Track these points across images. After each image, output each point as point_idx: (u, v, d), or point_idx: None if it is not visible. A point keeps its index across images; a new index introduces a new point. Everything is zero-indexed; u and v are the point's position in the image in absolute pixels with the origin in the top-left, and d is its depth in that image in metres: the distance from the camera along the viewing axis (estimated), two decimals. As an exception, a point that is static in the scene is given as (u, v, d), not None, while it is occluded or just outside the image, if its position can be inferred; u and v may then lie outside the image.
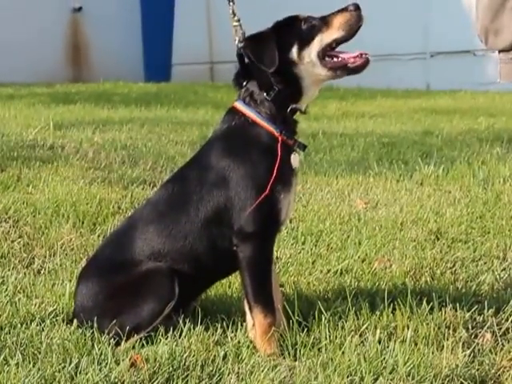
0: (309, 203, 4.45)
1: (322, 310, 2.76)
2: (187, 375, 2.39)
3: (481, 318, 2.87)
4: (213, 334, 2.65)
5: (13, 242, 3.61)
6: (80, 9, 13.59)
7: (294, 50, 2.58)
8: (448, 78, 12.51)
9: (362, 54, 2.63)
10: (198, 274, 2.65)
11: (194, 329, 2.65)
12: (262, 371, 2.40)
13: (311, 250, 3.62)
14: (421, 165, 5.43)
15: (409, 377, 2.41)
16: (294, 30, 2.59)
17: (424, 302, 2.91)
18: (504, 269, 3.44)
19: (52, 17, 12.97)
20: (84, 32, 13.43)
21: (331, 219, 4.08)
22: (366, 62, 2.62)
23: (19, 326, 2.69)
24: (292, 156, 2.61)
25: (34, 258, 3.44)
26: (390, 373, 2.43)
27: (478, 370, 2.50)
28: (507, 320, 2.84)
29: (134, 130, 6.76)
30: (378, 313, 2.85)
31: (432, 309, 2.87)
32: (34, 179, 4.62)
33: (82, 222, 3.89)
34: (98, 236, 3.72)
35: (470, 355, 2.56)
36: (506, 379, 2.46)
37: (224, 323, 2.72)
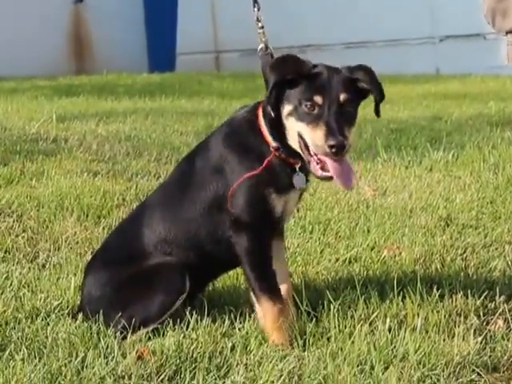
0: (316, 191, 4.40)
1: (331, 299, 2.73)
2: (195, 367, 2.36)
3: (492, 305, 2.83)
4: (220, 326, 2.62)
5: (17, 236, 3.59)
6: (82, 0, 13.53)
7: (286, 110, 2.49)
8: (458, 62, 12.39)
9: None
10: (202, 263, 2.63)
11: (201, 321, 2.62)
12: (271, 362, 2.37)
13: (319, 238, 3.57)
14: (430, 150, 5.37)
15: (420, 365, 2.38)
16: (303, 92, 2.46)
17: (434, 290, 2.87)
18: (516, 254, 3.39)
19: (54, 9, 12.92)
20: (86, 23, 13.36)
21: (339, 207, 4.04)
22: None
23: (24, 320, 2.67)
24: (295, 176, 2.55)
25: (38, 253, 3.42)
26: (401, 361, 2.40)
27: (490, 356, 2.46)
28: (520, 306, 2.80)
29: (138, 121, 6.73)
30: (387, 301, 2.81)
31: (442, 296, 2.84)
32: (38, 173, 4.59)
33: (87, 215, 3.87)
34: (103, 229, 3.69)
35: (481, 342, 2.53)
36: (520, 366, 2.42)
37: (232, 315, 2.69)
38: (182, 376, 2.32)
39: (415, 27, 13.28)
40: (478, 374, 2.37)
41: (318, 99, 2.44)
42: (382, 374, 2.32)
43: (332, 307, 2.65)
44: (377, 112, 2.61)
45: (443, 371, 2.35)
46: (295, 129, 2.48)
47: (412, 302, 2.76)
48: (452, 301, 2.81)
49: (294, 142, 2.50)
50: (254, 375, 2.31)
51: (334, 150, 2.39)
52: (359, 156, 5.37)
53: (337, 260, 3.31)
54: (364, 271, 3.16)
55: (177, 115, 7.12)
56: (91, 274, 2.70)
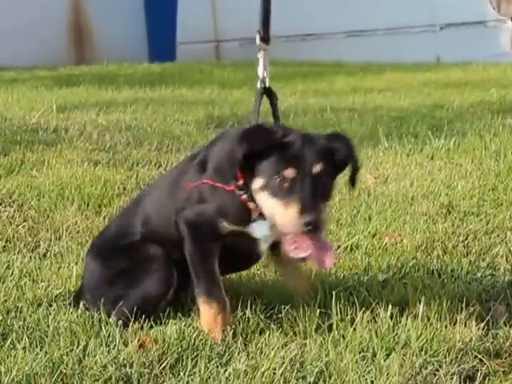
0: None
1: (333, 286, 2.72)
2: (196, 355, 2.36)
3: (494, 291, 2.83)
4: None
5: (18, 226, 3.59)
6: (82, -10, 13.46)
7: (257, 185, 2.33)
8: (458, 50, 12.35)
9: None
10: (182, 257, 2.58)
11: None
12: (272, 349, 2.37)
13: (320, 226, 3.56)
14: (431, 138, 5.35)
15: (422, 351, 2.38)
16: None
17: (436, 276, 2.87)
18: (517, 240, 3.38)
19: (53, -1, 12.87)
20: (86, 13, 13.31)
21: (341, 195, 4.02)
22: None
23: (25, 309, 2.67)
24: (254, 224, 2.43)
25: (39, 242, 3.42)
26: (403, 348, 2.40)
27: (492, 343, 2.46)
28: (522, 292, 2.79)
29: (138, 110, 6.71)
30: (389, 288, 2.81)
31: (444, 283, 2.83)
32: (38, 163, 4.59)
33: (87, 205, 3.86)
34: (104, 218, 3.69)
35: (483, 328, 2.52)
36: (522, 352, 2.42)
37: (233, 302, 2.68)
38: (184, 364, 2.31)
39: (415, 15, 13.23)
40: (480, 360, 2.37)
41: (290, 172, 2.27)
42: (384, 360, 2.32)
43: (334, 294, 2.64)
44: (352, 182, 2.40)
45: (445, 358, 2.35)
46: (267, 206, 2.32)
47: (414, 288, 2.76)
48: (454, 287, 2.80)
49: (266, 216, 2.36)
50: (256, 363, 2.31)
51: (309, 228, 2.22)
52: (360, 143, 5.36)
53: (338, 247, 3.30)
54: (366, 258, 3.15)
55: (177, 104, 7.09)
56: (88, 259, 2.71)
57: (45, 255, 3.26)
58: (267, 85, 2.64)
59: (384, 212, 3.74)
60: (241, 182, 2.39)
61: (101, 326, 2.52)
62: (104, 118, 6.22)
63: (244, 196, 2.40)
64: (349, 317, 2.57)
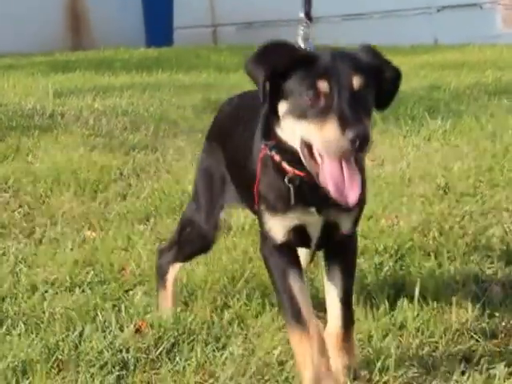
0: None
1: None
2: (193, 339, 2.36)
3: (490, 271, 2.83)
4: (218, 299, 2.61)
5: (13, 211, 3.58)
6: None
7: (282, 108, 1.91)
8: (455, 32, 12.30)
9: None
10: None
11: (198, 290, 2.62)
12: (269, 333, 2.37)
13: (317, 209, 3.55)
14: (428, 120, 5.34)
15: (418, 332, 2.38)
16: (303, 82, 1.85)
17: (432, 258, 2.87)
18: (514, 221, 3.38)
19: (50, -16, 12.77)
20: (83, -2, 13.22)
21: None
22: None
23: (21, 295, 2.66)
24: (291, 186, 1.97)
25: (34, 228, 3.41)
26: (399, 329, 2.40)
27: (488, 323, 2.46)
28: (518, 272, 2.79)
29: (135, 95, 6.67)
30: (385, 270, 2.80)
31: (441, 264, 2.83)
32: (34, 148, 4.57)
33: (83, 190, 3.85)
34: (100, 203, 3.68)
35: (479, 309, 2.52)
36: (518, 332, 2.42)
37: (229, 287, 2.68)
38: (180, 348, 2.31)
39: (411, -3, 13.17)
40: (477, 340, 2.37)
41: (324, 85, 1.85)
42: (381, 342, 2.32)
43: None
44: (389, 100, 2.02)
45: (441, 338, 2.36)
46: (296, 131, 1.88)
47: (410, 270, 2.75)
48: (450, 268, 2.80)
49: (298, 148, 1.92)
50: (253, 346, 2.31)
51: (357, 144, 1.79)
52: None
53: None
54: (362, 241, 3.15)
55: (174, 89, 7.06)
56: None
57: (40, 241, 3.26)
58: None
59: (380, 194, 3.73)
60: (267, 142, 1.97)
61: (96, 312, 2.51)
62: (100, 103, 6.19)
63: (277, 156, 1.96)
64: (345, 299, 2.56)
